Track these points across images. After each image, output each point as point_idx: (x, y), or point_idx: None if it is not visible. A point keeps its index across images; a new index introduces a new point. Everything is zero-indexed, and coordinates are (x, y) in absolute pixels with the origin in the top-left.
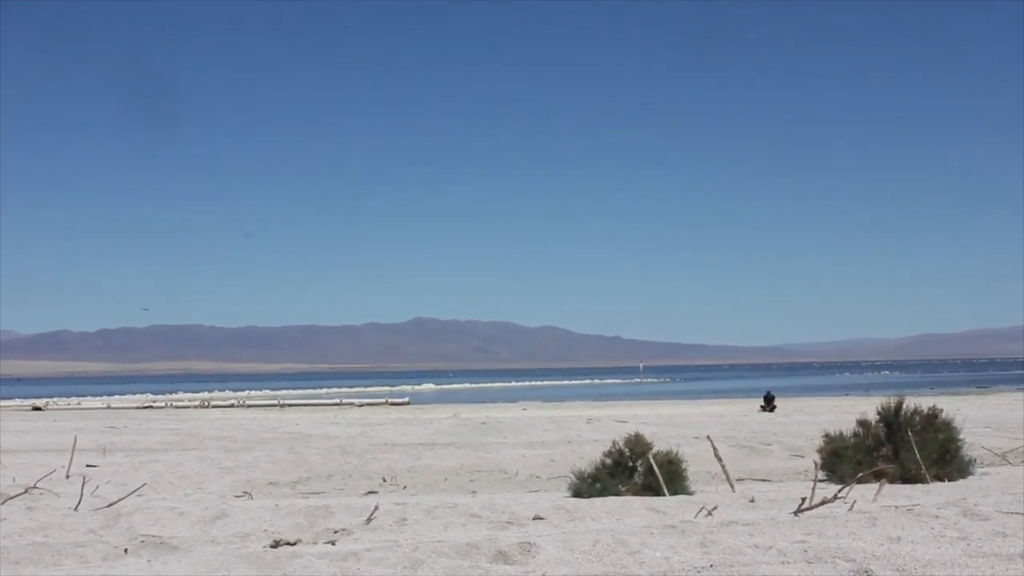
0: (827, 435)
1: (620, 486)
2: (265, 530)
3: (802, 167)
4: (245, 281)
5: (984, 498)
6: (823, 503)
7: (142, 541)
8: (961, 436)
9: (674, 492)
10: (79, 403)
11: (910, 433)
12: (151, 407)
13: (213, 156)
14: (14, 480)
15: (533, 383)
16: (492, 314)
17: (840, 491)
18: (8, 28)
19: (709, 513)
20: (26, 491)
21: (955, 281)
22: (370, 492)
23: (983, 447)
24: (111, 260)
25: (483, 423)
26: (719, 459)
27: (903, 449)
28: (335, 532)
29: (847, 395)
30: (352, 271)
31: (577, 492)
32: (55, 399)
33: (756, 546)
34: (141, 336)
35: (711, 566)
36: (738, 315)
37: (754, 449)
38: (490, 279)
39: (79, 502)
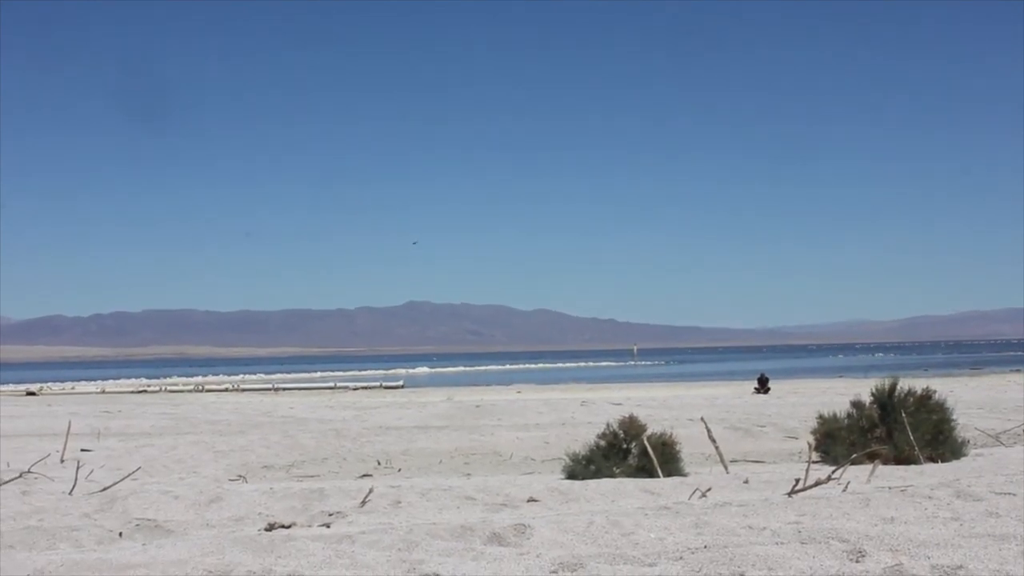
0: (821, 417)
1: (614, 468)
2: (260, 513)
3: (797, 150)
4: (239, 266)
5: (977, 479)
6: (817, 484)
7: (137, 525)
8: (954, 417)
9: (668, 474)
10: (73, 388)
11: (904, 415)
12: (145, 391)
13: (206, 143)
14: (8, 465)
15: (527, 366)
16: (486, 297)
17: (834, 472)
18: (6, 23)
19: (703, 494)
20: (20, 476)
21: (948, 264)
22: (365, 475)
23: (976, 428)
24: (105, 245)
25: (477, 406)
26: (713, 441)
27: (897, 430)
28: (330, 515)
29: (841, 377)
30: (346, 255)
31: (571, 474)
32: (49, 384)
33: (750, 527)
34: (135, 321)
35: (705, 547)
36: (732, 298)
37: (748, 431)
38: (484, 262)
39: (73, 486)
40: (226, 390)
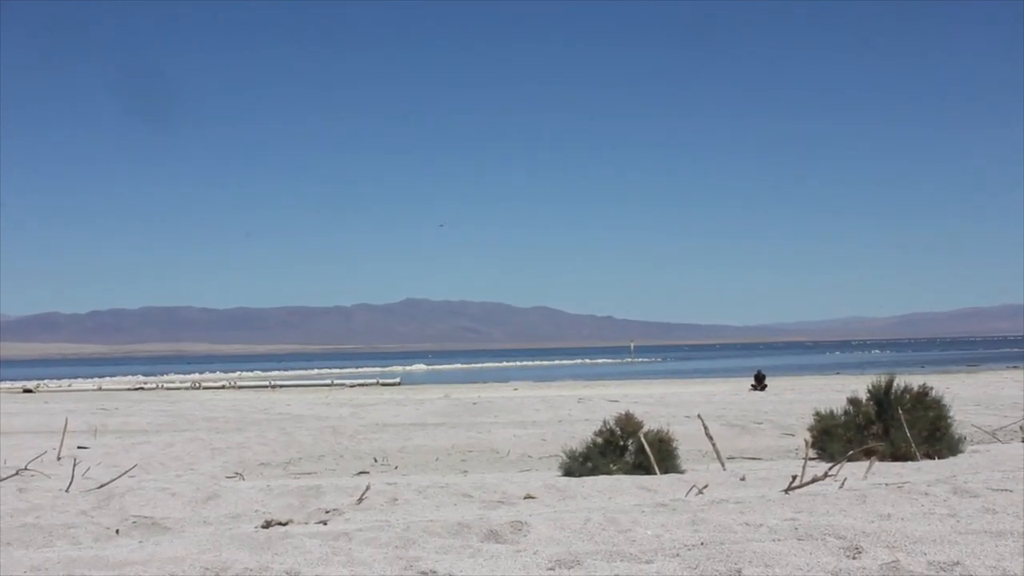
0: (817, 413)
1: (611, 465)
2: (257, 511)
3: (794, 148)
4: (236, 263)
5: (974, 475)
6: (813, 481)
7: (134, 522)
8: (951, 414)
9: (665, 471)
10: (70, 385)
11: (900, 411)
12: (142, 388)
13: (204, 141)
14: (5, 462)
15: (524, 363)
16: (484, 295)
17: (830, 469)
18: (5, 22)
19: (700, 491)
20: (17, 473)
21: (944, 261)
22: (361, 472)
23: (973, 425)
24: (102, 243)
25: (474, 403)
26: (710, 438)
27: (893, 427)
28: (326, 512)
29: (837, 374)
30: (343, 252)
31: (568, 471)
32: (46, 381)
33: (747, 524)
34: (132, 318)
35: (702, 544)
36: (729, 295)
37: (745, 428)
38: (482, 260)
39: (70, 483)
40: (223, 387)
